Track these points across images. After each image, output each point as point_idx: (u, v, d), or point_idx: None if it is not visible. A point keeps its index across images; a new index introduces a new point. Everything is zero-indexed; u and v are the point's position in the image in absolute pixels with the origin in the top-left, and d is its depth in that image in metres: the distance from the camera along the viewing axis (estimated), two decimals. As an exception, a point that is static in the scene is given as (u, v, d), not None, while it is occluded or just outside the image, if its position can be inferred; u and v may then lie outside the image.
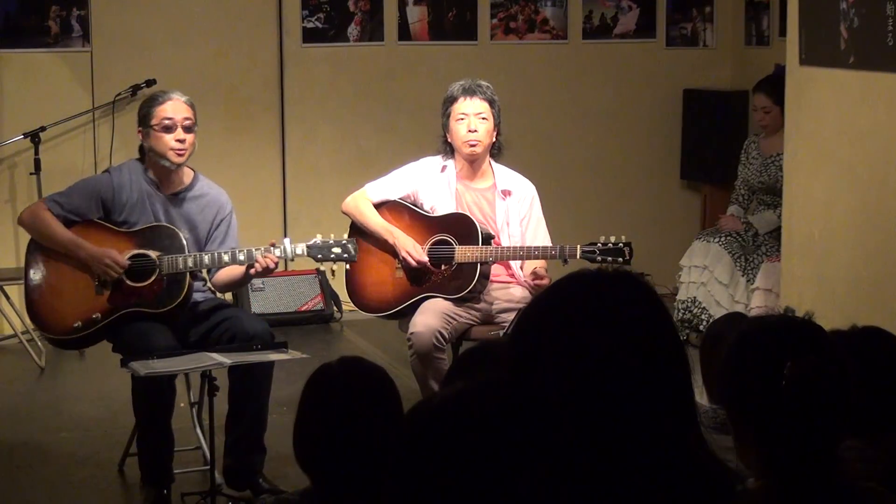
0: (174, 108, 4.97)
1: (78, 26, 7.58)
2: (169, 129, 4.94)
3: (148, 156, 5.02)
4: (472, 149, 5.37)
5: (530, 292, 5.32)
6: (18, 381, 6.69)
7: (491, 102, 5.40)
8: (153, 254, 4.91)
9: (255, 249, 4.89)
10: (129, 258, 4.91)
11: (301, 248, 4.95)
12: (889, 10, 4.44)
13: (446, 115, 5.43)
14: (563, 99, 8.33)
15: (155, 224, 4.97)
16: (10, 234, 7.52)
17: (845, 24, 4.72)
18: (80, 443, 5.62)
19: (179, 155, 4.96)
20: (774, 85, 6.52)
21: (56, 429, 5.83)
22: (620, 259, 5.23)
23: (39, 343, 6.93)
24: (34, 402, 6.32)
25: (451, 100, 5.41)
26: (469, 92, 5.39)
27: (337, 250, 5.01)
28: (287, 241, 4.94)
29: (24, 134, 7.31)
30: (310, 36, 7.95)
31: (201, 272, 5.05)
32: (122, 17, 7.66)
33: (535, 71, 8.27)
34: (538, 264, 5.37)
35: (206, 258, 4.91)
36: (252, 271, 4.91)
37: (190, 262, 4.89)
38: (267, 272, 4.93)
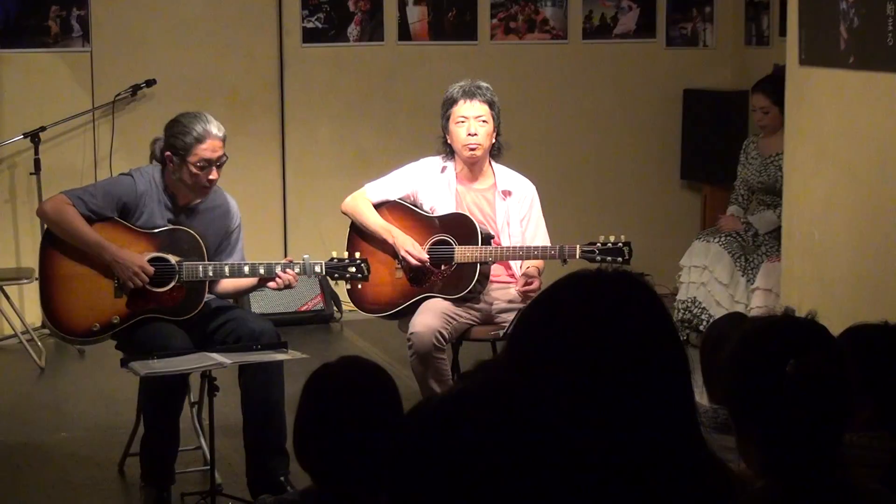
0: (212, 147, 4.85)
1: (78, 26, 7.57)
2: (204, 168, 4.86)
3: (170, 173, 4.91)
4: (472, 152, 5.36)
5: (520, 298, 5.30)
6: (18, 381, 6.68)
7: (491, 104, 5.39)
8: (173, 259, 4.87)
9: (276, 264, 4.92)
10: (149, 261, 4.85)
11: (319, 267, 5.02)
12: (889, 10, 4.44)
13: (446, 118, 5.42)
14: (563, 99, 8.33)
15: (175, 227, 4.91)
16: (10, 234, 7.52)
17: (845, 24, 4.72)
18: (80, 443, 5.61)
19: (206, 191, 4.93)
20: (774, 85, 6.52)
21: (56, 429, 5.82)
22: (620, 259, 5.23)
23: (39, 343, 6.93)
24: (34, 402, 6.31)
25: (451, 102, 5.39)
26: (469, 94, 5.37)
27: (352, 269, 5.11)
28: (306, 257, 5.01)
29: (24, 134, 7.30)
30: (310, 36, 7.95)
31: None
32: (122, 17, 7.65)
33: (535, 71, 8.26)
34: (535, 264, 5.36)
35: (227, 269, 4.90)
36: (272, 285, 4.94)
37: (210, 271, 4.86)
38: (287, 287, 4.98)
